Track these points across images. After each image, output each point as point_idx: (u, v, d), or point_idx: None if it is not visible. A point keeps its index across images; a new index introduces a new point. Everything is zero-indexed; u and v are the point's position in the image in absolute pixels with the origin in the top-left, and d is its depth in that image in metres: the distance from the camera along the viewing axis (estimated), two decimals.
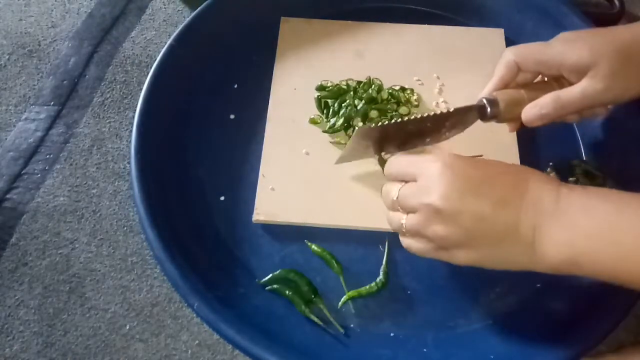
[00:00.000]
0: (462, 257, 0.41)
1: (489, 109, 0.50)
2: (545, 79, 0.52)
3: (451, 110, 0.50)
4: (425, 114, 0.49)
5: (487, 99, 0.50)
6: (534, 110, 0.49)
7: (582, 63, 0.47)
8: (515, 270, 0.41)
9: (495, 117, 0.50)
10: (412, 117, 0.49)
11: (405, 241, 0.44)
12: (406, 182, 0.43)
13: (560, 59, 0.48)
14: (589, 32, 0.50)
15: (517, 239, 0.39)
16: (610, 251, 0.37)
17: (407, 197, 0.42)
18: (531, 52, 0.50)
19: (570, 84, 0.49)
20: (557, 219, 0.38)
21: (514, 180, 0.40)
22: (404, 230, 0.43)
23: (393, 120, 0.49)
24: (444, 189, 0.40)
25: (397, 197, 0.43)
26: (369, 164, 0.57)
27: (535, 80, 0.52)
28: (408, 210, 0.43)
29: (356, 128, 0.57)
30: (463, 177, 0.40)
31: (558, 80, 0.50)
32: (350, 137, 0.58)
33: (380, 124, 0.49)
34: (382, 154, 0.52)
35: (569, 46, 0.48)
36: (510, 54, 0.50)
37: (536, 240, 0.39)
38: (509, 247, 0.40)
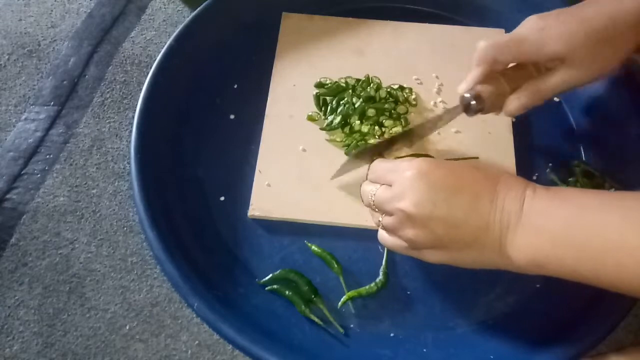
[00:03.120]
0: (432, 257, 0.44)
1: (474, 103, 0.51)
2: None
3: (440, 114, 0.52)
4: (415, 126, 0.51)
5: (472, 95, 0.51)
6: (516, 102, 0.51)
7: (559, 53, 0.48)
8: (487, 268, 0.43)
9: (480, 110, 0.52)
10: (402, 130, 0.51)
11: (382, 236, 0.47)
12: (382, 185, 0.45)
13: (536, 50, 0.49)
14: (558, 16, 0.49)
15: (485, 242, 0.41)
16: (571, 253, 0.38)
17: (382, 202, 0.44)
18: (506, 44, 0.51)
19: (546, 67, 0.51)
20: (520, 223, 0.39)
21: (484, 187, 0.41)
22: (379, 227, 0.47)
23: (384, 137, 0.51)
24: (416, 196, 0.41)
25: (373, 200, 0.45)
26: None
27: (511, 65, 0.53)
28: (384, 212, 0.45)
29: (352, 120, 0.58)
30: (436, 185, 0.41)
31: (534, 64, 0.52)
32: (346, 134, 0.58)
33: (373, 142, 0.51)
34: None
35: (543, 36, 0.49)
36: (486, 49, 0.51)
37: (502, 243, 0.40)
38: (479, 250, 0.41)
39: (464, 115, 0.56)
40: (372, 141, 0.57)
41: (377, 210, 0.46)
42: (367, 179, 0.48)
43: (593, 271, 0.37)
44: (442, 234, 0.41)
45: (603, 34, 0.47)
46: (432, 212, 0.41)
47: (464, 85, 0.53)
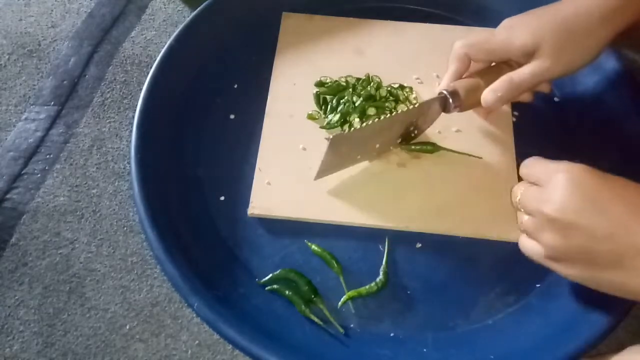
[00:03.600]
0: (569, 271, 0.41)
1: (450, 100, 0.53)
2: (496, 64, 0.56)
3: (416, 105, 0.53)
4: (393, 113, 0.53)
5: (447, 91, 0.53)
6: (491, 94, 0.52)
7: (527, 46, 0.50)
8: (625, 297, 0.40)
9: (458, 106, 0.53)
10: (381, 117, 0.52)
11: (522, 241, 0.45)
12: (533, 183, 0.44)
13: (506, 46, 0.52)
14: (530, 13, 0.52)
15: (634, 264, 0.37)
16: None
17: (528, 200, 0.43)
18: (478, 42, 0.54)
19: (520, 65, 0.52)
20: None
21: (637, 202, 0.39)
22: (521, 229, 0.45)
23: (364, 124, 0.51)
24: (562, 201, 0.39)
25: (519, 198, 0.44)
26: (364, 161, 0.57)
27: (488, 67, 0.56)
28: (527, 212, 0.44)
29: (352, 118, 0.58)
30: (586, 194, 0.39)
31: (508, 63, 0.54)
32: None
33: (352, 129, 0.51)
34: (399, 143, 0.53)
35: (512, 32, 0.52)
36: (461, 48, 0.54)
37: None
38: (626, 273, 0.38)
39: (464, 114, 0.56)
40: (353, 126, 0.57)
41: (521, 210, 0.45)
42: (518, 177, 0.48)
43: None
44: (579, 245, 0.39)
45: (570, 23, 0.49)
46: (575, 220, 0.39)
47: (442, 84, 0.55)
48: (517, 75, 0.52)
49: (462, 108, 0.54)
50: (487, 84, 0.53)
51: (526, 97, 0.58)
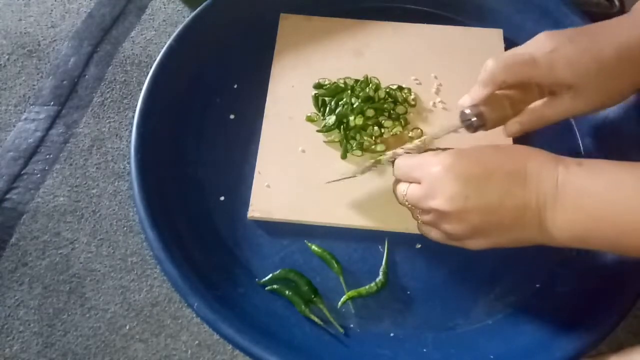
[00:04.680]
0: (475, 244, 0.44)
1: (475, 121, 0.49)
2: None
3: (443, 132, 0.51)
4: (419, 140, 0.51)
5: (474, 113, 0.49)
6: (517, 126, 0.52)
7: (566, 81, 0.47)
8: (529, 246, 0.43)
9: (481, 127, 0.50)
10: (408, 145, 0.51)
11: (422, 229, 0.49)
12: (411, 183, 0.46)
13: (545, 74, 0.47)
14: (570, 40, 0.47)
15: (525, 223, 0.41)
16: (611, 227, 0.39)
17: (415, 201, 0.45)
18: (518, 68, 0.48)
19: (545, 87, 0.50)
20: (558, 201, 0.40)
21: (514, 169, 0.42)
22: (417, 221, 0.48)
23: (386, 156, 0.51)
24: (447, 192, 0.42)
25: (406, 199, 0.46)
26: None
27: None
28: (418, 210, 0.46)
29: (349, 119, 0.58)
30: (464, 177, 0.42)
31: (539, 85, 0.50)
32: (342, 133, 0.58)
33: (376, 160, 0.53)
34: (390, 156, 0.52)
35: (552, 60, 0.47)
36: (499, 73, 0.48)
37: (541, 222, 0.41)
38: (519, 231, 0.42)
39: None
40: (374, 157, 0.56)
41: (410, 207, 0.47)
42: (394, 177, 0.49)
43: (636, 241, 0.38)
44: (479, 223, 0.42)
45: (615, 67, 0.46)
46: (466, 205, 0.41)
47: (466, 100, 0.51)
48: (549, 110, 0.50)
49: (486, 129, 0.51)
50: (515, 110, 0.50)
51: None
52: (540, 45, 0.48)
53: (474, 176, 0.42)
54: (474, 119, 0.50)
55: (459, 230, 0.43)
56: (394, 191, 0.49)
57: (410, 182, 0.46)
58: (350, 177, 0.54)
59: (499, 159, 0.43)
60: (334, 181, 0.55)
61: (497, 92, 0.50)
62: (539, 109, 0.50)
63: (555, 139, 0.61)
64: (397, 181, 0.49)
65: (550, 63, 0.47)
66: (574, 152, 0.60)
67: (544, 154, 0.42)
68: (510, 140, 0.57)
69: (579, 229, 0.40)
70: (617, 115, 0.61)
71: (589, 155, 0.60)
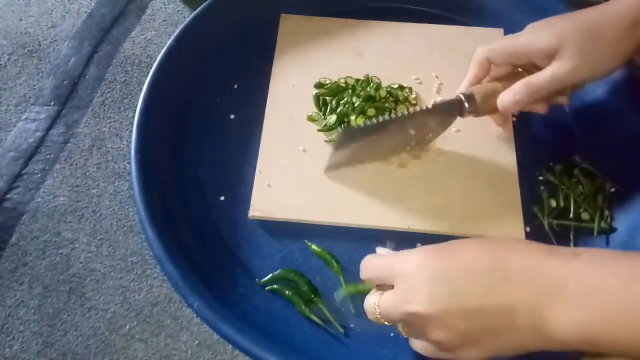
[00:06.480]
0: (469, 355, 0.38)
1: (466, 103, 0.52)
2: (519, 70, 0.55)
3: (430, 106, 0.52)
4: (406, 112, 0.52)
5: (463, 94, 0.52)
6: (508, 96, 0.51)
7: (550, 47, 0.48)
8: (532, 352, 0.37)
9: (474, 111, 0.52)
10: (394, 116, 0.52)
11: (413, 344, 0.42)
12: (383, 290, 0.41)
13: (528, 47, 0.50)
14: (557, 17, 0.51)
15: (517, 323, 0.36)
16: (627, 326, 0.34)
17: (389, 309, 0.40)
18: (500, 46, 0.53)
19: (541, 69, 0.51)
20: (559, 301, 0.35)
21: (493, 264, 0.37)
22: (403, 335, 0.42)
23: (374, 121, 0.51)
24: (424, 294, 0.37)
25: (378, 313, 0.41)
26: (367, 162, 0.57)
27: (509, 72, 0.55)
28: (395, 322, 0.41)
29: (350, 118, 0.58)
30: (440, 276, 0.38)
31: (529, 71, 0.53)
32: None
33: (362, 124, 0.51)
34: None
35: (536, 34, 0.50)
36: (481, 52, 0.53)
37: (539, 323, 0.35)
38: (513, 336, 0.36)
39: None
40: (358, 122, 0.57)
41: (387, 323, 0.41)
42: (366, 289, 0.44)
43: None
44: (465, 329, 0.36)
45: (594, 30, 0.48)
46: (446, 307, 0.36)
47: (460, 88, 0.54)
48: (536, 78, 0.50)
49: (478, 113, 0.53)
50: (505, 88, 0.52)
51: (541, 108, 0.55)
52: (528, 27, 0.52)
53: (450, 273, 0.37)
54: (466, 102, 0.52)
55: (443, 337, 0.37)
56: (365, 306, 0.43)
57: (381, 290, 0.41)
58: (341, 158, 0.54)
59: (475, 252, 0.38)
60: (330, 168, 0.55)
61: (488, 81, 0.54)
62: (527, 77, 0.51)
63: (555, 138, 0.61)
64: (369, 296, 0.43)
65: (533, 36, 0.50)
66: (573, 152, 0.60)
67: (532, 246, 0.38)
68: (510, 136, 0.57)
69: (588, 330, 0.34)
70: (617, 114, 0.61)
71: (588, 155, 0.59)
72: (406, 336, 0.42)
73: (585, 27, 0.48)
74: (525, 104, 0.51)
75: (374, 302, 0.41)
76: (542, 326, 0.35)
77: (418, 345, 0.41)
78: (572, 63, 0.48)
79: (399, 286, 0.39)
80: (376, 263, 0.43)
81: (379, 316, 0.41)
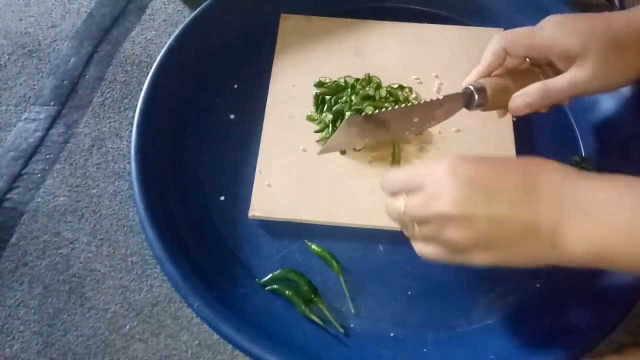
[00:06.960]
0: (479, 258, 0.39)
1: (476, 97, 0.49)
2: (529, 63, 0.52)
3: (440, 98, 0.50)
4: (415, 103, 0.50)
5: (474, 87, 0.49)
6: (521, 99, 0.49)
7: (572, 50, 0.46)
8: (535, 266, 0.39)
9: (482, 105, 0.50)
10: (402, 106, 0.50)
11: (418, 247, 0.42)
12: (409, 194, 0.41)
13: (550, 44, 0.47)
14: (581, 17, 0.47)
15: (537, 236, 0.37)
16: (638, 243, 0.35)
17: (416, 208, 0.40)
18: (520, 37, 0.49)
19: (555, 69, 0.49)
20: (582, 213, 0.37)
21: (524, 178, 0.38)
22: (416, 239, 0.42)
23: (382, 109, 0.50)
24: (453, 193, 0.38)
25: (404, 211, 0.41)
26: (367, 162, 0.57)
27: (521, 67, 0.52)
28: (419, 221, 0.41)
29: (345, 116, 0.57)
30: (471, 181, 0.38)
31: (542, 67, 0.50)
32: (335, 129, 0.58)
33: (369, 112, 0.50)
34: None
35: (559, 31, 0.47)
36: (499, 41, 0.49)
37: (558, 235, 0.37)
38: (529, 245, 0.38)
39: (464, 113, 0.56)
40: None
41: (409, 222, 0.41)
42: (386, 194, 0.44)
43: None
44: (488, 231, 0.38)
45: (618, 39, 0.45)
46: (474, 210, 0.37)
47: (469, 77, 0.51)
48: (553, 83, 0.47)
49: (487, 108, 0.51)
50: (517, 87, 0.49)
51: (545, 108, 0.53)
52: (549, 19, 0.48)
53: (482, 180, 0.38)
54: (475, 94, 0.49)
55: (464, 237, 0.38)
56: (387, 207, 0.44)
57: (408, 193, 0.41)
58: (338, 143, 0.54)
59: (508, 166, 0.40)
60: (325, 150, 0.54)
61: (500, 73, 0.50)
62: (543, 81, 0.48)
63: (555, 138, 0.61)
64: (391, 197, 0.43)
65: (556, 31, 0.46)
66: (574, 152, 0.60)
67: (560, 168, 0.39)
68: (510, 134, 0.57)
69: (601, 245, 0.36)
70: (617, 115, 0.61)
71: (588, 155, 0.60)
72: (413, 239, 0.43)
73: (610, 35, 0.45)
74: (536, 108, 0.49)
75: (397, 203, 0.42)
76: (560, 239, 0.37)
77: (427, 250, 0.41)
78: (592, 73, 0.45)
79: (428, 187, 0.39)
80: (401, 173, 0.43)
81: (402, 213, 0.41)
